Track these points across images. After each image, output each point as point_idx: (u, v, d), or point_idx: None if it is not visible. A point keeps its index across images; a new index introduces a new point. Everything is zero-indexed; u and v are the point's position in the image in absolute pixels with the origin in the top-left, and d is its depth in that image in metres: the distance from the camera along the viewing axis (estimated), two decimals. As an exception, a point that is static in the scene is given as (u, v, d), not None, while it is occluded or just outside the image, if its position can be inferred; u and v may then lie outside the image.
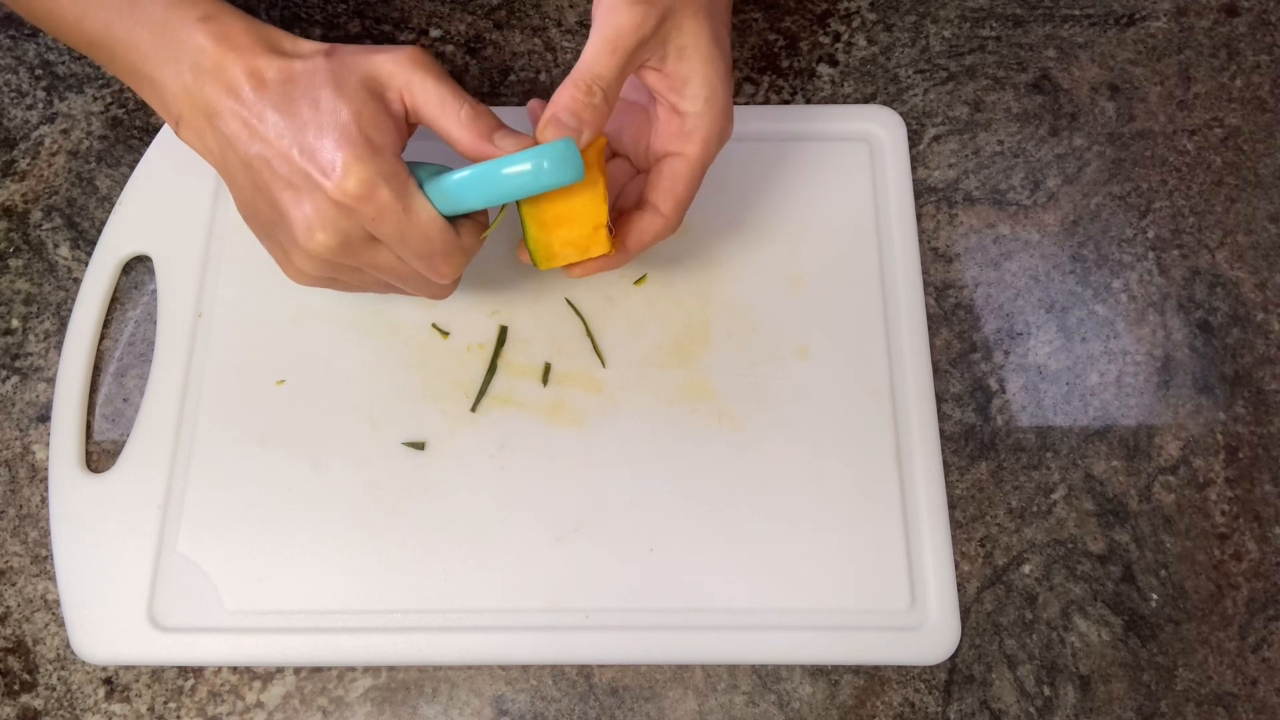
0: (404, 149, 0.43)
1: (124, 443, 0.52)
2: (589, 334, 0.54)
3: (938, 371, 0.54)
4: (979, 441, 0.53)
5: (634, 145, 0.49)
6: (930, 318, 0.55)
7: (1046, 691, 0.49)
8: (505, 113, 0.58)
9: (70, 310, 0.54)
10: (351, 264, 0.43)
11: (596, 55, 0.42)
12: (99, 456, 0.52)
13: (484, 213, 0.46)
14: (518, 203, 0.44)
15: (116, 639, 0.48)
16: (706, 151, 0.45)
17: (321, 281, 0.45)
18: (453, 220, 0.44)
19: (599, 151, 0.45)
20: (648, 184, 0.47)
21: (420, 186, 0.42)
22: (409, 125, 0.43)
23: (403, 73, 0.41)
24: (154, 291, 0.55)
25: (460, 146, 0.42)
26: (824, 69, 0.61)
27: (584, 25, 0.62)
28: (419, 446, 0.52)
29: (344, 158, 0.40)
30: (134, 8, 0.43)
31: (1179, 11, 0.63)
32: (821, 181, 0.57)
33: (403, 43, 0.61)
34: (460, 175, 0.42)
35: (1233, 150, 0.60)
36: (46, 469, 0.52)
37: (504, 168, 0.41)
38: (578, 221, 0.44)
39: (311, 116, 0.40)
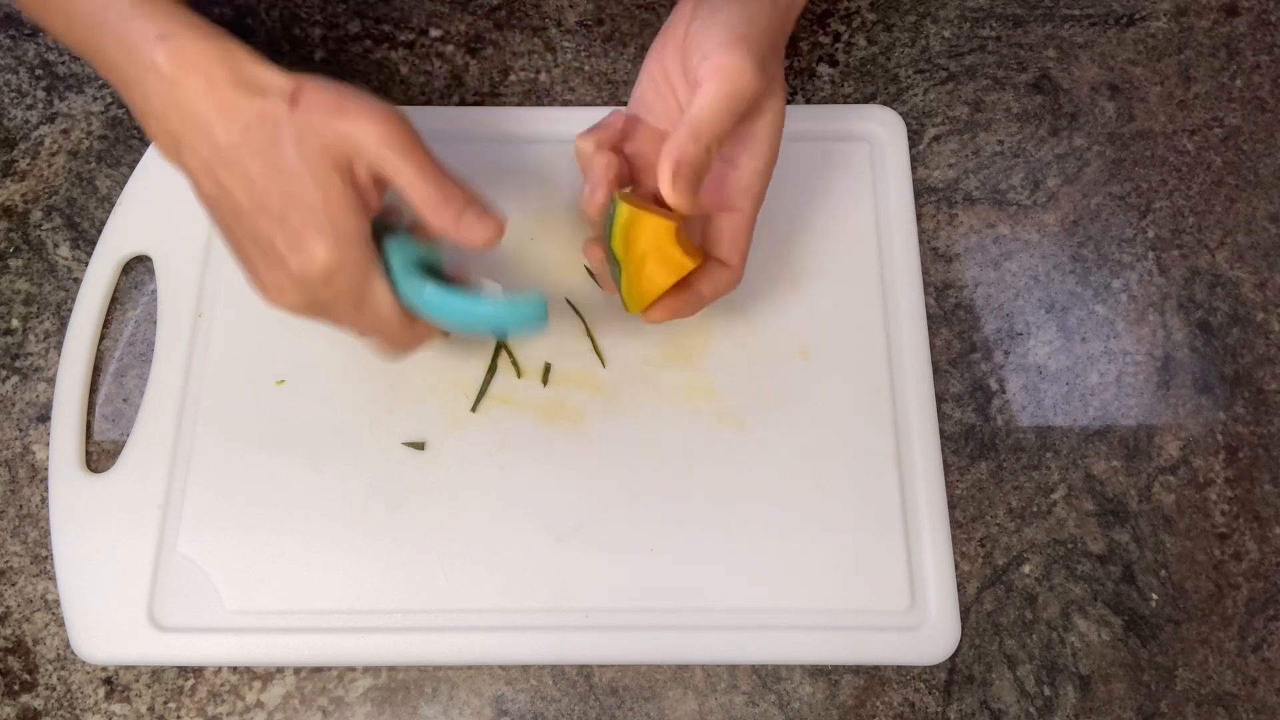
0: (374, 214, 0.42)
1: (124, 443, 0.52)
2: (589, 334, 0.54)
3: (938, 371, 0.54)
4: (979, 441, 0.53)
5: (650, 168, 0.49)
6: (930, 318, 0.55)
7: (1046, 691, 0.49)
8: (505, 113, 0.59)
9: (70, 310, 0.54)
10: (311, 319, 0.44)
11: (716, 113, 0.42)
12: (99, 456, 0.52)
13: None
14: (613, 254, 0.45)
15: (116, 639, 0.48)
16: (758, 206, 0.46)
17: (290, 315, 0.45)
18: None
19: (676, 233, 0.45)
20: (710, 239, 0.47)
21: (387, 261, 0.43)
22: (381, 188, 0.42)
23: (371, 151, 0.40)
24: (154, 291, 0.55)
25: (427, 227, 0.42)
26: (824, 69, 0.61)
27: (584, 25, 0.62)
28: (419, 446, 0.52)
29: (308, 242, 0.40)
30: (104, 23, 0.41)
31: (1179, 11, 0.63)
32: (821, 181, 0.57)
33: (403, 43, 0.61)
34: (428, 296, 0.43)
35: (1233, 150, 0.60)
36: (46, 469, 0.52)
37: (473, 310, 0.43)
38: (653, 248, 0.45)
39: (276, 183, 0.39)
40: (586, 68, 0.61)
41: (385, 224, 0.44)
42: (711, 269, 0.47)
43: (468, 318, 0.43)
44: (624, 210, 0.44)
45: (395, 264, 0.43)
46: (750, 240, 0.47)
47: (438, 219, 0.41)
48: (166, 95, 0.40)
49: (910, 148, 0.59)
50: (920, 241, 0.57)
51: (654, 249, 0.44)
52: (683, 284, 0.47)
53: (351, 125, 0.39)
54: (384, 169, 0.40)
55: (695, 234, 0.48)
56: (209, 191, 0.41)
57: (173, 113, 0.40)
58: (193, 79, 0.39)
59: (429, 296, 0.43)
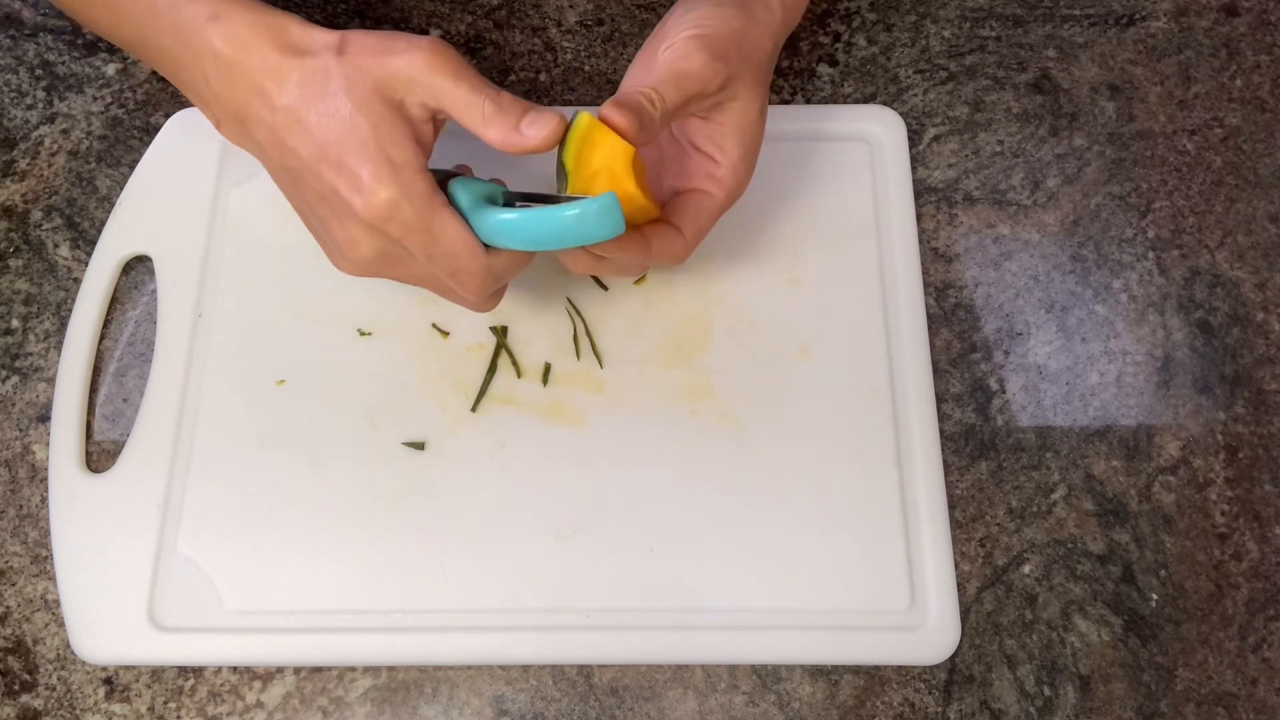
0: (430, 153, 0.42)
1: (124, 443, 0.52)
2: (588, 334, 0.54)
3: (938, 371, 0.54)
4: (979, 441, 0.53)
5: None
6: (930, 318, 0.55)
7: (1046, 691, 0.49)
8: (505, 113, 0.59)
9: (70, 310, 0.54)
10: (390, 274, 0.44)
11: (663, 83, 0.44)
12: (99, 456, 0.52)
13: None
14: (563, 167, 0.44)
15: (116, 639, 0.48)
16: (729, 200, 0.48)
17: (369, 276, 0.46)
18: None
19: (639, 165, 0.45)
20: (671, 208, 0.48)
21: (455, 203, 0.42)
22: (435, 126, 0.43)
23: (422, 80, 0.41)
24: (154, 291, 0.55)
25: (491, 144, 0.42)
26: (824, 69, 0.61)
27: (584, 25, 0.62)
28: (419, 446, 0.52)
29: (366, 178, 0.40)
30: (154, 12, 0.43)
31: (1179, 11, 0.63)
32: (821, 181, 0.57)
33: (403, 43, 0.61)
34: (501, 218, 0.42)
35: (1233, 150, 0.60)
36: (46, 469, 0.52)
37: (551, 218, 0.41)
38: (606, 169, 0.44)
39: (331, 130, 0.40)
40: (586, 68, 0.61)
41: (446, 173, 0.44)
42: (664, 229, 0.47)
43: (547, 229, 0.42)
44: (584, 119, 0.43)
45: (463, 202, 0.42)
46: (712, 224, 0.48)
47: (498, 131, 0.41)
48: (226, 75, 0.41)
49: (910, 148, 0.59)
50: (920, 241, 0.57)
51: (606, 169, 0.43)
52: (635, 230, 0.46)
53: (401, 60, 0.40)
54: (438, 95, 0.41)
55: (661, 195, 0.49)
56: (277, 160, 0.42)
57: (233, 91, 0.41)
58: (247, 54, 0.41)
59: (505, 218, 0.42)
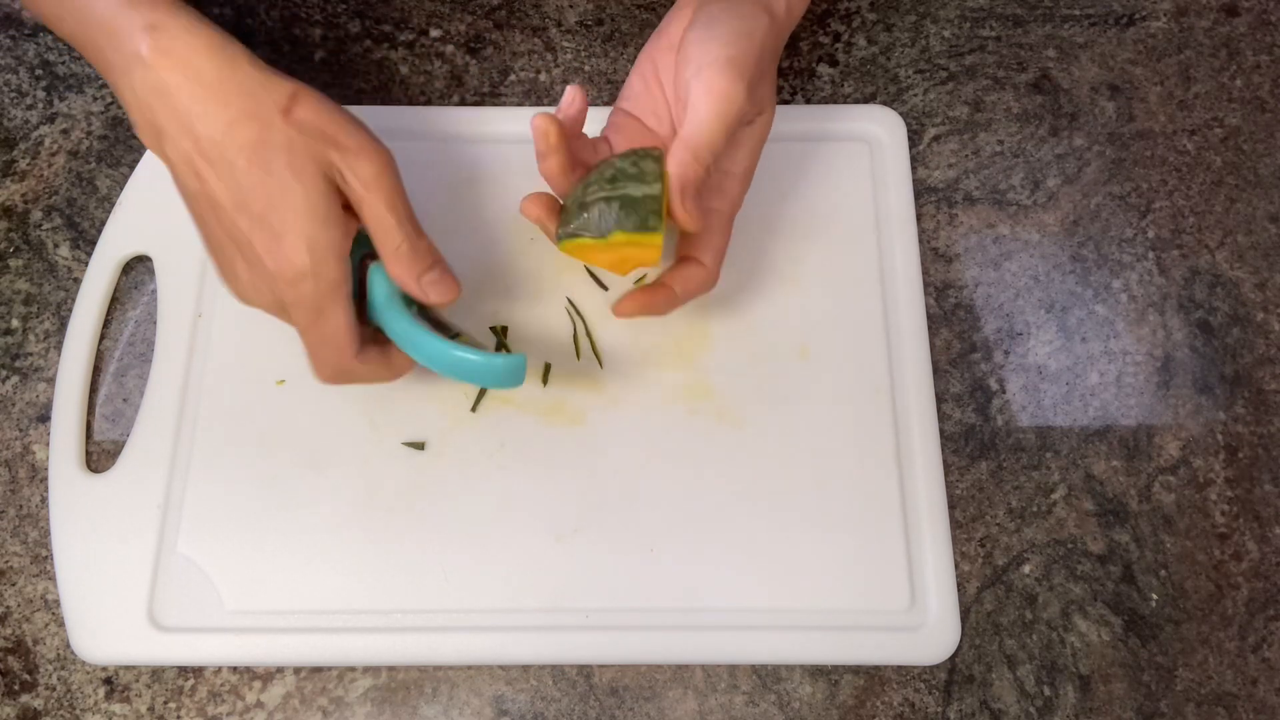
0: (356, 230, 0.42)
1: (124, 443, 0.52)
2: (588, 334, 0.54)
3: (938, 371, 0.54)
4: (979, 441, 0.53)
5: None
6: (930, 318, 0.55)
7: (1046, 691, 0.49)
8: (505, 113, 0.59)
9: (70, 310, 0.54)
10: (273, 315, 0.44)
11: (713, 135, 0.43)
12: (99, 456, 0.52)
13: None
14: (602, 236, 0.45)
15: (116, 639, 0.48)
16: (735, 208, 0.48)
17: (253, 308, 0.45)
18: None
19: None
20: (687, 240, 0.48)
21: (371, 289, 0.43)
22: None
23: (356, 191, 0.41)
24: (154, 291, 0.55)
25: (389, 272, 0.43)
26: (824, 69, 0.61)
27: (584, 25, 0.62)
28: (419, 446, 0.52)
29: (286, 246, 0.40)
30: (92, 13, 0.41)
31: (1179, 11, 0.63)
32: (821, 181, 0.57)
33: (403, 43, 0.61)
34: (414, 334, 0.43)
35: (1233, 150, 0.60)
36: (46, 469, 0.52)
37: (451, 354, 0.43)
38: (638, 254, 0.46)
39: (260, 184, 0.39)
40: (586, 68, 0.61)
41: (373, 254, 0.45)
42: (685, 268, 0.48)
43: (452, 361, 0.44)
44: (657, 242, 0.44)
45: (378, 289, 0.43)
46: (726, 242, 0.49)
47: (402, 271, 0.42)
48: (150, 84, 0.40)
49: (910, 148, 0.59)
50: (920, 241, 0.57)
51: (639, 263, 0.46)
52: (657, 283, 0.48)
53: (342, 159, 0.40)
54: (363, 209, 0.41)
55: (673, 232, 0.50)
56: (188, 184, 0.42)
57: (155, 102, 0.40)
58: (176, 70, 0.40)
59: (405, 329, 0.43)
